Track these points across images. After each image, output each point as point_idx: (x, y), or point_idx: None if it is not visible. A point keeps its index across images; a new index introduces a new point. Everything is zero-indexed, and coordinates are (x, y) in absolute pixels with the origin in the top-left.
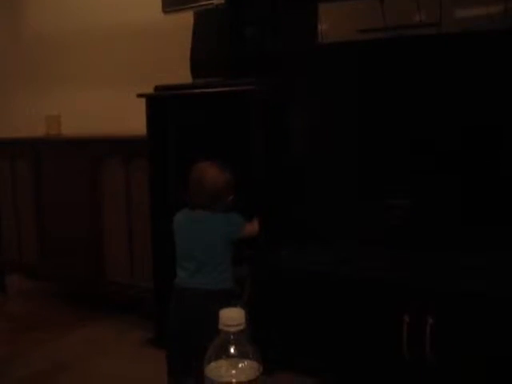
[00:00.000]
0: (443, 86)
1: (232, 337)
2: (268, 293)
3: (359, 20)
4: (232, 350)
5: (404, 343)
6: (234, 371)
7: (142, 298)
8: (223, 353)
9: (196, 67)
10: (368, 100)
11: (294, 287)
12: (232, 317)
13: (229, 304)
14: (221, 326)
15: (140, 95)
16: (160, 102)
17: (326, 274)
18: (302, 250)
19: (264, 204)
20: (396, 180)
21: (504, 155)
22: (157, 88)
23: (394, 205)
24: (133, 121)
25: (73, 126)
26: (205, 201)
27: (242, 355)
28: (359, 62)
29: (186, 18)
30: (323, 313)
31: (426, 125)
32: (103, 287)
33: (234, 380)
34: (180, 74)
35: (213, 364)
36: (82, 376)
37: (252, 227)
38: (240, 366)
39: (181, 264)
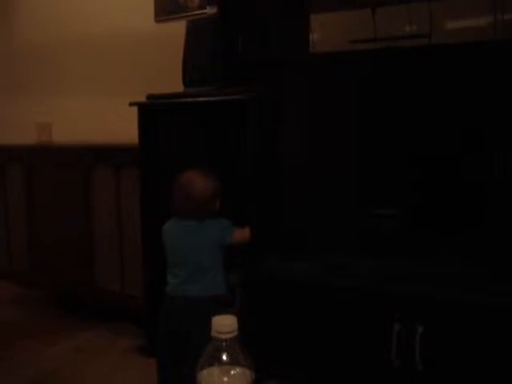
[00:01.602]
0: (434, 96)
1: (224, 344)
2: (257, 301)
3: (351, 30)
4: (224, 357)
5: (393, 352)
6: (225, 378)
7: (132, 306)
8: (215, 360)
9: (188, 76)
10: (359, 109)
11: (284, 296)
12: (224, 324)
13: (221, 310)
14: (213, 333)
15: (132, 103)
16: (152, 111)
17: (315, 283)
18: (292, 259)
19: (254, 212)
20: (386, 190)
21: (496, 164)
22: (149, 97)
23: (384, 214)
24: (124, 129)
25: (64, 134)
26: (193, 210)
27: (234, 362)
28: (350, 71)
29: (179, 27)
30: (312, 321)
31: (417, 134)
32: (93, 294)
33: None
34: (172, 82)
35: (205, 371)
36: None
37: (243, 234)
38: (232, 373)
39: (172, 272)
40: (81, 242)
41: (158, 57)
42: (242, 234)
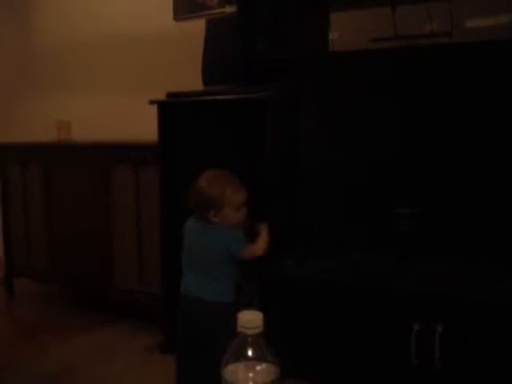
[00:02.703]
0: (454, 95)
1: (250, 339)
2: (276, 301)
3: (370, 29)
4: (250, 353)
5: (413, 351)
6: (251, 374)
7: (151, 304)
8: (241, 355)
9: (207, 74)
10: (379, 108)
11: (303, 296)
12: (250, 319)
13: (228, 317)
14: (239, 328)
15: (152, 102)
16: (171, 109)
17: (334, 281)
18: (311, 257)
19: (274, 209)
20: (405, 188)
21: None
22: (168, 95)
23: (403, 213)
24: (143, 127)
25: (83, 132)
26: (197, 205)
27: (259, 358)
28: (371, 70)
29: (198, 26)
30: (332, 321)
31: (435, 134)
32: (112, 292)
33: (251, 383)
34: (191, 81)
35: (230, 366)
36: (89, 381)
37: (253, 251)
38: (257, 368)
39: (186, 270)
40: (100, 240)
41: (178, 55)
42: (251, 252)
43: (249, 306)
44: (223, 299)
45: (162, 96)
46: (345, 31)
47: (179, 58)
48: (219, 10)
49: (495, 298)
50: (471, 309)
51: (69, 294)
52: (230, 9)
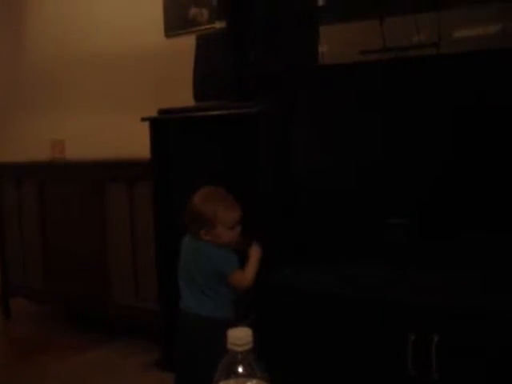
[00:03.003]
0: (443, 105)
1: (240, 356)
2: (271, 313)
3: (359, 42)
4: (240, 370)
5: (409, 362)
6: None
7: (148, 320)
8: (231, 372)
9: (198, 90)
10: (370, 119)
11: (297, 307)
12: (239, 336)
13: (223, 333)
14: (229, 346)
15: (144, 119)
16: (163, 126)
17: (329, 293)
18: (304, 270)
19: (267, 222)
20: (397, 198)
21: (504, 172)
22: (160, 111)
23: (396, 223)
24: (136, 144)
25: (77, 150)
26: (187, 221)
27: (250, 374)
28: (359, 82)
29: (189, 42)
30: (327, 332)
31: (426, 144)
32: (108, 310)
33: None
34: (183, 97)
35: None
36: None
37: (240, 278)
38: None
39: (183, 287)
40: (95, 257)
41: (169, 72)
42: (238, 281)
43: (245, 319)
44: (219, 315)
45: (154, 113)
46: (334, 44)
47: (171, 74)
48: (209, 26)
49: (489, 306)
50: (467, 318)
51: (65, 313)
52: (219, 24)
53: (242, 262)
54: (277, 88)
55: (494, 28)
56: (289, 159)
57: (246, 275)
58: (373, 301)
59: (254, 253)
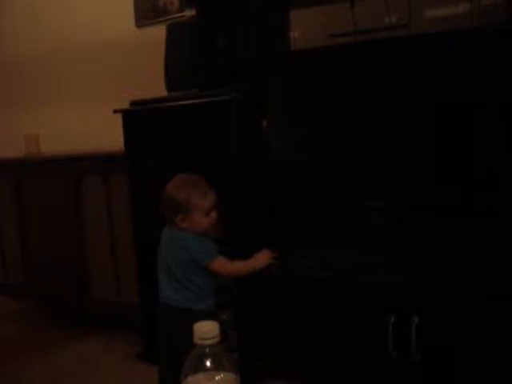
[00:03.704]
0: (417, 86)
1: (207, 350)
2: (254, 300)
3: (330, 25)
4: (208, 363)
5: (390, 343)
6: None
7: (129, 313)
8: (200, 366)
9: (170, 80)
10: (342, 103)
11: (279, 292)
12: (206, 330)
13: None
14: (196, 340)
15: (116, 111)
16: (136, 117)
17: (309, 277)
18: (283, 255)
19: (244, 211)
20: (374, 181)
21: (480, 151)
22: (132, 103)
23: (374, 206)
24: (112, 136)
25: (52, 145)
26: (163, 208)
27: (218, 368)
28: (331, 66)
29: (160, 31)
30: (308, 318)
31: (400, 126)
32: (89, 304)
33: None
34: (156, 87)
35: (190, 378)
36: None
37: (223, 265)
38: (217, 378)
39: (161, 279)
40: (74, 252)
41: (142, 62)
42: (221, 265)
43: (227, 309)
44: (199, 306)
45: (128, 104)
46: (306, 29)
47: (143, 64)
48: (179, 15)
49: (467, 286)
50: (446, 299)
51: (46, 309)
52: (189, 13)
53: (223, 251)
54: (248, 75)
55: (463, 7)
56: (263, 146)
57: (238, 268)
58: (352, 284)
59: (262, 258)
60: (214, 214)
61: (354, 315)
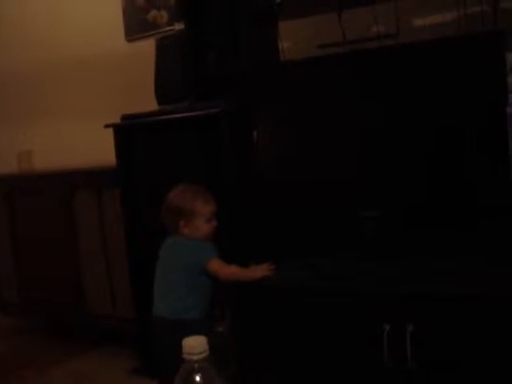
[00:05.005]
0: (405, 95)
1: (196, 365)
2: (244, 309)
3: (319, 35)
4: (198, 379)
5: (385, 352)
6: None
7: (125, 328)
8: (189, 382)
9: (161, 94)
10: (333, 112)
11: (272, 303)
12: (194, 345)
13: (202, 330)
14: (185, 356)
15: (107, 125)
16: (127, 131)
17: (302, 287)
18: (279, 265)
19: (237, 221)
20: (366, 191)
21: (467, 161)
22: (124, 117)
23: (366, 216)
24: (104, 150)
25: (45, 160)
26: (163, 215)
27: (208, 382)
28: (321, 76)
29: (150, 45)
30: (302, 326)
31: (391, 134)
32: (85, 319)
33: None
34: (147, 101)
35: None
36: None
37: (221, 267)
38: None
39: (156, 290)
40: (68, 268)
41: (132, 76)
42: (219, 266)
43: (221, 319)
44: (192, 315)
45: (119, 118)
46: (295, 40)
47: (134, 78)
48: (169, 28)
49: (462, 294)
50: (440, 307)
51: (41, 325)
52: (178, 26)
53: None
54: (238, 87)
55: (450, 15)
56: (254, 157)
57: (236, 271)
58: (346, 293)
59: (260, 271)
60: (214, 222)
61: (348, 324)
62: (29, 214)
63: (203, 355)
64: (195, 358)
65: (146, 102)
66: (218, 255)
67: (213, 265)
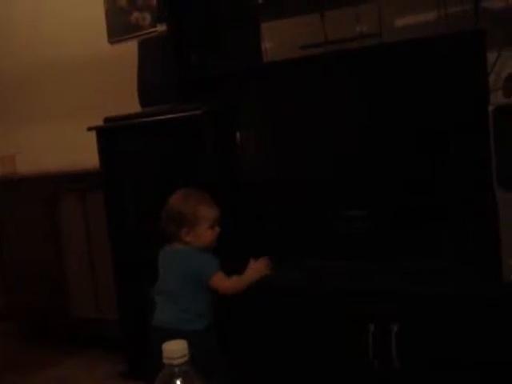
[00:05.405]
0: (389, 94)
1: (177, 370)
2: (233, 309)
3: (301, 36)
4: (178, 383)
5: (371, 353)
6: None
7: (109, 331)
8: None
9: (144, 95)
10: (317, 113)
11: (258, 303)
12: (174, 349)
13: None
14: (165, 360)
15: (90, 128)
16: (111, 134)
17: (289, 287)
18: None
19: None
20: (352, 191)
21: (449, 160)
22: (107, 120)
23: (353, 215)
24: (88, 154)
25: (28, 164)
26: (164, 221)
27: None
28: (304, 77)
29: (133, 47)
30: (288, 326)
31: (375, 134)
32: (69, 323)
33: None
34: (131, 103)
35: None
36: None
37: (223, 282)
38: None
39: (157, 300)
40: (52, 272)
41: (115, 78)
42: (220, 281)
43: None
44: (194, 327)
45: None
46: (277, 41)
47: (117, 80)
48: (151, 30)
49: (447, 294)
50: (424, 307)
51: (25, 330)
52: (161, 28)
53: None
54: (221, 88)
55: (432, 15)
56: (239, 157)
57: (234, 283)
58: (331, 293)
59: (259, 268)
60: (217, 228)
61: (333, 324)
62: (12, 218)
63: (184, 359)
64: (175, 362)
65: (130, 104)
66: (219, 268)
67: (215, 280)
